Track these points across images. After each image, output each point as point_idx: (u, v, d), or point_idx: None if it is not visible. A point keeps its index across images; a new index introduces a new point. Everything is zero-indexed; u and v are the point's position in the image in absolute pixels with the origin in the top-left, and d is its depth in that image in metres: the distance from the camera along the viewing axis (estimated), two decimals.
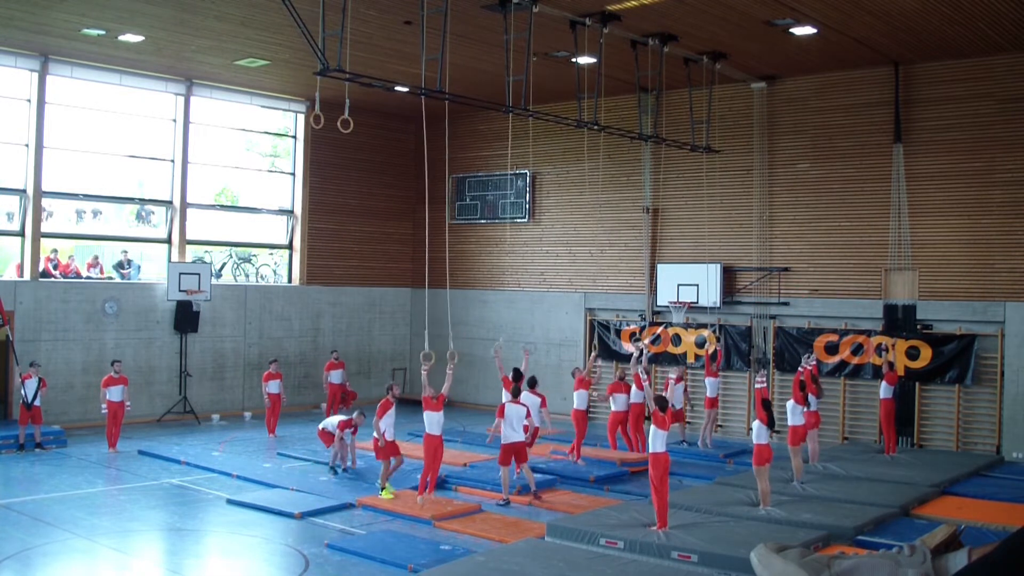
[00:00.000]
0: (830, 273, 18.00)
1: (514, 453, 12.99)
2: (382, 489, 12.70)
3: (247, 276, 21.75)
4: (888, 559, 8.36)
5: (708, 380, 17.26)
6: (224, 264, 21.45)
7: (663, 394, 13.28)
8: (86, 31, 15.93)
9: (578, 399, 15.68)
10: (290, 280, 22.16)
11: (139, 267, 19.93)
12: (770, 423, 11.63)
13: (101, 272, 19.32)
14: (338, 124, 12.70)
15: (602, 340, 20.41)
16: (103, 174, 19.30)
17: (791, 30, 15.00)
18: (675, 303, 19.23)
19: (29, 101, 17.87)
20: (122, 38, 16.32)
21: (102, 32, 15.97)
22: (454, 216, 23.19)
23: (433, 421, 12.56)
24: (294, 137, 22.21)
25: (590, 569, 9.23)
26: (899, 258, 17.16)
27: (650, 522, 10.65)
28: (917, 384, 16.84)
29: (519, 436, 12.95)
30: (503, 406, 13.19)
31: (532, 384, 14.40)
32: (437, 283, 23.74)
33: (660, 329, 19.45)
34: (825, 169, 18.05)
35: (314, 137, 21.61)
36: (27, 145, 17.92)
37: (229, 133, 21.30)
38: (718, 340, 18.56)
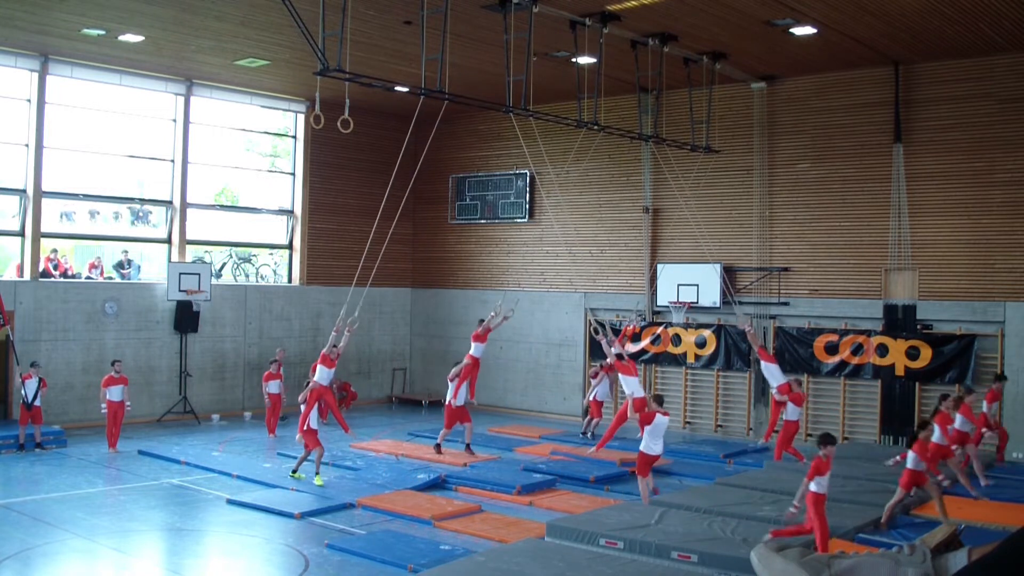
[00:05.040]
0: (830, 273, 18.00)
1: (650, 465, 12.33)
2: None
3: (247, 276, 21.75)
4: (888, 558, 8.37)
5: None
6: (224, 264, 21.44)
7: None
8: (86, 31, 15.94)
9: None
10: (290, 280, 22.16)
11: (139, 267, 19.93)
12: None
13: (101, 273, 19.33)
14: (338, 124, 12.71)
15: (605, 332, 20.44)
16: (103, 174, 19.31)
17: (791, 30, 15.00)
18: (675, 303, 19.23)
19: (29, 101, 17.87)
20: (122, 38, 16.32)
21: (102, 32, 15.97)
22: (454, 216, 23.20)
23: (325, 375, 14.01)
24: (294, 137, 22.21)
25: (590, 569, 9.23)
26: (899, 258, 17.16)
27: (649, 522, 10.66)
28: (917, 384, 16.84)
29: (660, 449, 12.27)
30: (653, 413, 12.17)
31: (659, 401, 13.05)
32: (437, 283, 23.79)
33: (660, 329, 19.44)
34: (825, 169, 18.05)
35: (314, 137, 21.61)
36: (27, 145, 17.92)
37: (229, 133, 21.30)
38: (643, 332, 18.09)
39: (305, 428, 13.85)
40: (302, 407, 13.98)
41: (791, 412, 14.55)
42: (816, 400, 17.97)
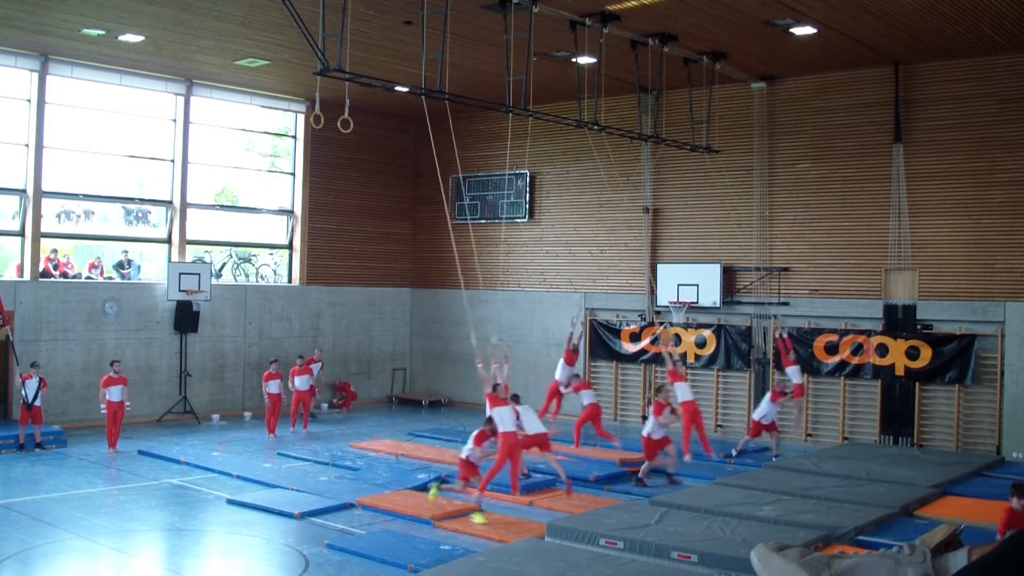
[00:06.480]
0: (830, 273, 18.00)
1: (527, 447, 13.27)
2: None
3: (247, 276, 21.75)
4: (888, 558, 8.36)
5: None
6: (224, 264, 21.44)
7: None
8: (86, 31, 15.94)
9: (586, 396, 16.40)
10: (290, 280, 22.16)
11: (139, 267, 19.93)
12: None
13: (101, 273, 19.33)
14: (338, 124, 12.71)
15: (600, 338, 20.42)
16: (103, 174, 19.31)
17: (791, 30, 15.01)
18: (675, 303, 19.23)
19: (29, 101, 17.87)
20: (122, 38, 16.32)
21: (102, 32, 15.97)
22: (454, 216, 23.18)
23: (505, 418, 12.39)
24: (294, 137, 22.21)
25: (590, 569, 9.22)
26: (899, 258, 17.16)
27: (649, 522, 10.66)
28: (917, 384, 16.84)
29: (538, 427, 13.42)
30: (514, 434, 12.67)
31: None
32: (437, 283, 23.77)
33: (660, 329, 19.43)
34: (825, 169, 18.05)
35: (314, 137, 21.61)
36: (27, 145, 17.92)
37: (229, 133, 21.30)
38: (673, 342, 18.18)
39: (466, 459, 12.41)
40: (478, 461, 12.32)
41: (586, 397, 16.34)
42: (816, 400, 17.98)
